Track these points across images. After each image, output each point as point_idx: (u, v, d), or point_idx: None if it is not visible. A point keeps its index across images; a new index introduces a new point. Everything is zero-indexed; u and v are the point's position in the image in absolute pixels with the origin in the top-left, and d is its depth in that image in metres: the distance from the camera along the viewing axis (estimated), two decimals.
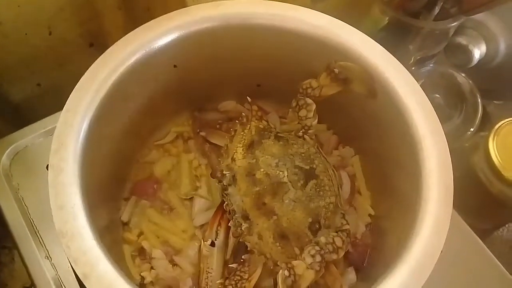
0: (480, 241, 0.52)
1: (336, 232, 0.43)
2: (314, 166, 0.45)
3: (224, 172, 0.46)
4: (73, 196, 0.35)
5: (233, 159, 0.46)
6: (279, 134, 0.46)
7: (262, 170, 0.44)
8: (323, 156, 0.47)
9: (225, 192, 0.46)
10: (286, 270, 0.39)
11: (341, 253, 0.42)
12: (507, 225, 0.69)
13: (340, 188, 0.46)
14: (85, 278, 0.32)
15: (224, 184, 0.46)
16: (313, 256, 0.40)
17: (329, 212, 0.44)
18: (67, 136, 0.37)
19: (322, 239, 0.41)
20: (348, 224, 0.44)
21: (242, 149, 0.46)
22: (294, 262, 0.40)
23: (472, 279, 0.50)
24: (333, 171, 0.46)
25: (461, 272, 0.49)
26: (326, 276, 0.41)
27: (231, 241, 0.48)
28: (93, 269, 0.33)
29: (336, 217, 0.44)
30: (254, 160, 0.45)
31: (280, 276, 0.39)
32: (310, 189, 0.44)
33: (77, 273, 0.32)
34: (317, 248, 0.41)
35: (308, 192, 0.44)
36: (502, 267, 0.51)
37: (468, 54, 0.67)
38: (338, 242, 0.42)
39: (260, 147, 0.45)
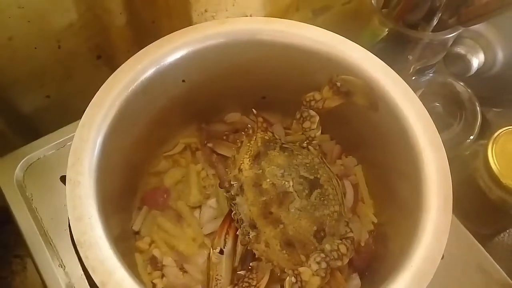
0: (481, 246, 0.53)
1: (341, 239, 0.44)
2: (319, 176, 0.46)
3: (231, 183, 0.47)
4: (90, 208, 0.37)
5: (240, 170, 0.47)
6: (284, 145, 0.47)
7: (268, 180, 0.45)
8: (327, 166, 0.48)
9: (233, 201, 0.47)
10: (293, 277, 0.40)
11: (346, 260, 0.43)
12: (508, 231, 0.69)
13: (343, 197, 0.47)
14: (103, 286, 0.34)
15: (232, 194, 0.47)
16: (318, 263, 0.42)
17: (334, 220, 0.45)
18: (82, 151, 0.39)
19: (327, 247, 0.43)
20: (352, 232, 0.45)
21: (249, 160, 0.47)
22: (301, 269, 0.41)
23: (473, 284, 0.51)
24: (336, 180, 0.47)
25: (462, 277, 0.50)
26: (331, 282, 0.42)
27: (239, 248, 0.49)
28: (110, 277, 0.34)
29: (340, 225, 0.45)
30: (261, 171, 0.46)
31: (287, 282, 0.40)
32: (314, 198, 0.45)
33: (95, 281, 0.33)
34: (323, 255, 0.42)
35: (313, 201, 0.45)
36: (503, 272, 0.52)
37: (467, 63, 0.67)
38: (343, 249, 0.43)
39: (266, 158, 0.47)
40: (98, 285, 0.33)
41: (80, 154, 0.39)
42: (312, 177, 0.45)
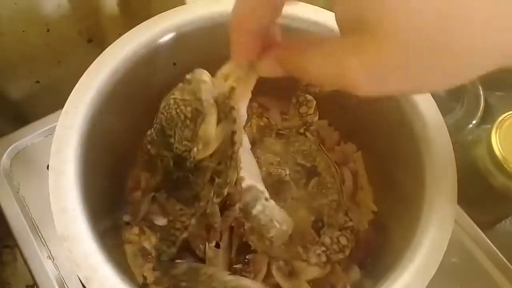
0: (482, 233, 0.52)
1: (340, 230, 0.43)
2: (316, 163, 0.45)
3: None
4: (75, 199, 0.35)
5: None
6: (280, 132, 0.46)
7: (264, 169, 0.44)
8: (325, 153, 0.47)
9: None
10: (281, 261, 0.39)
11: (347, 251, 0.42)
12: (509, 218, 0.68)
13: (342, 185, 0.46)
14: (88, 282, 0.32)
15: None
16: (318, 255, 0.41)
17: (332, 210, 0.44)
18: (67, 138, 0.37)
19: (327, 240, 0.42)
20: (352, 221, 0.44)
21: None
22: (295, 261, 0.40)
23: (473, 271, 0.50)
24: (335, 168, 0.46)
25: (464, 264, 0.50)
26: (330, 275, 0.41)
27: (236, 240, 0.47)
28: (95, 273, 0.32)
29: (339, 215, 0.44)
30: (256, 159, 0.44)
31: (274, 265, 0.39)
32: (312, 187, 0.44)
33: (79, 276, 0.32)
34: (323, 248, 0.41)
35: (311, 190, 0.44)
36: (504, 259, 0.51)
37: None
38: (343, 240, 0.42)
39: (261, 145, 0.46)
40: (82, 280, 0.32)
41: (64, 142, 0.37)
42: (309, 165, 0.44)
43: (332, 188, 0.45)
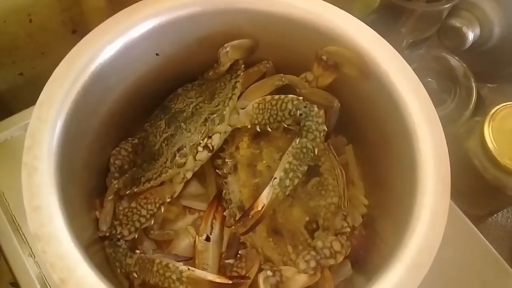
0: (474, 227, 0.52)
1: (336, 235, 0.41)
2: (320, 163, 0.44)
3: (226, 160, 0.45)
4: (49, 196, 0.34)
5: (237, 148, 0.45)
6: (289, 126, 0.44)
7: (264, 162, 0.44)
8: (333, 154, 0.46)
9: (224, 180, 0.45)
10: (269, 271, 0.37)
11: (340, 258, 0.40)
12: (502, 211, 0.68)
13: (346, 189, 0.45)
14: (63, 284, 0.30)
15: (225, 171, 0.45)
16: (307, 261, 0.38)
17: (329, 213, 0.42)
18: (41, 133, 0.35)
19: (319, 244, 0.40)
20: (350, 227, 0.42)
21: (248, 139, 0.45)
22: (283, 267, 0.38)
23: (465, 265, 0.49)
24: (340, 170, 0.45)
25: (455, 258, 0.48)
26: (318, 280, 0.39)
27: (226, 233, 0.46)
28: (71, 274, 0.31)
29: (336, 219, 0.43)
30: (258, 151, 0.44)
31: (261, 276, 0.37)
32: (311, 186, 0.43)
33: (53, 279, 0.30)
34: (313, 253, 0.39)
35: (309, 189, 0.43)
36: (496, 252, 0.51)
37: (462, 37, 0.65)
38: (336, 246, 0.40)
39: (266, 138, 0.45)
40: (57, 282, 0.30)
41: (38, 137, 0.35)
42: (312, 164, 0.42)
43: (333, 191, 0.43)
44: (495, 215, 0.68)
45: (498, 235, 0.68)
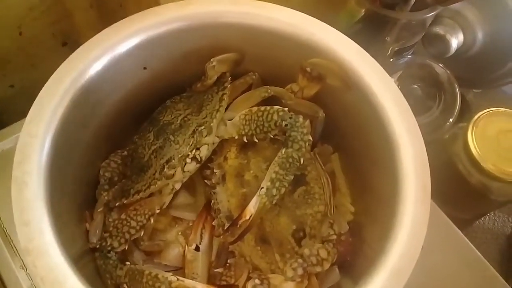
0: (459, 231, 0.52)
1: (322, 242, 0.42)
2: (306, 172, 0.45)
3: (214, 170, 0.46)
4: (39, 211, 0.34)
5: (225, 158, 0.46)
6: (276, 136, 0.45)
7: (251, 172, 0.44)
8: (319, 163, 0.46)
9: (213, 190, 0.45)
10: (257, 279, 0.38)
11: (327, 265, 0.41)
12: (487, 215, 0.69)
13: (332, 197, 0.45)
14: None
15: (213, 182, 0.45)
16: (294, 269, 0.39)
17: (316, 221, 0.43)
18: (30, 148, 0.36)
19: (306, 251, 0.40)
20: (336, 234, 0.43)
21: (236, 149, 0.46)
22: (271, 275, 0.39)
23: (451, 269, 0.50)
24: (327, 179, 0.45)
25: (440, 262, 0.49)
26: (305, 287, 0.40)
27: (216, 243, 0.47)
28: (61, 287, 0.31)
29: (323, 227, 0.43)
30: (246, 161, 0.45)
31: (250, 284, 0.38)
32: (298, 195, 0.44)
33: None
34: (300, 261, 0.39)
35: (296, 198, 0.43)
36: (482, 256, 0.51)
37: (446, 44, 0.66)
38: (323, 253, 0.41)
39: (253, 149, 0.45)
40: None
41: (28, 152, 0.36)
42: (298, 173, 0.43)
43: (319, 200, 0.44)
44: (482, 219, 0.69)
45: (485, 238, 0.69)
